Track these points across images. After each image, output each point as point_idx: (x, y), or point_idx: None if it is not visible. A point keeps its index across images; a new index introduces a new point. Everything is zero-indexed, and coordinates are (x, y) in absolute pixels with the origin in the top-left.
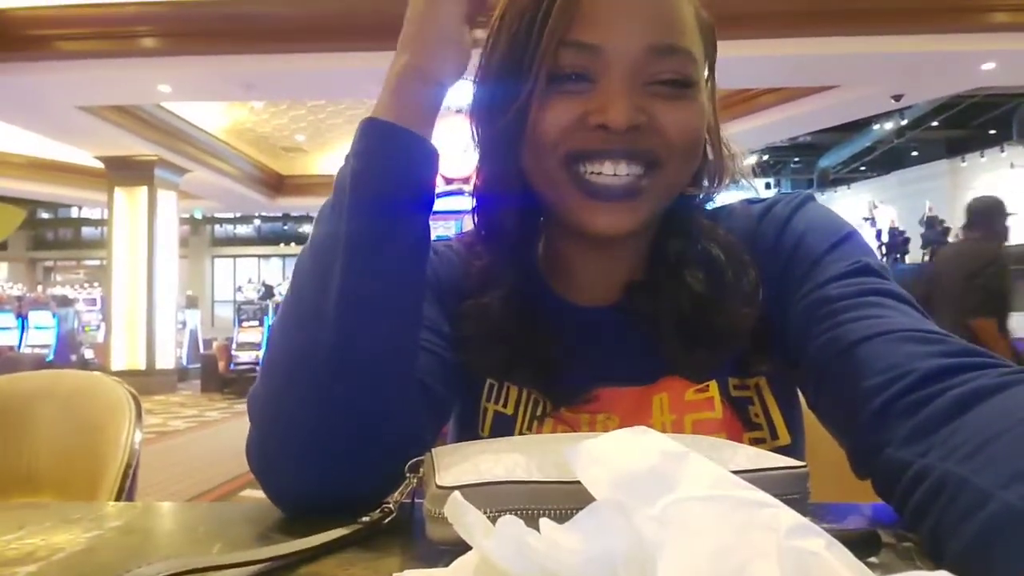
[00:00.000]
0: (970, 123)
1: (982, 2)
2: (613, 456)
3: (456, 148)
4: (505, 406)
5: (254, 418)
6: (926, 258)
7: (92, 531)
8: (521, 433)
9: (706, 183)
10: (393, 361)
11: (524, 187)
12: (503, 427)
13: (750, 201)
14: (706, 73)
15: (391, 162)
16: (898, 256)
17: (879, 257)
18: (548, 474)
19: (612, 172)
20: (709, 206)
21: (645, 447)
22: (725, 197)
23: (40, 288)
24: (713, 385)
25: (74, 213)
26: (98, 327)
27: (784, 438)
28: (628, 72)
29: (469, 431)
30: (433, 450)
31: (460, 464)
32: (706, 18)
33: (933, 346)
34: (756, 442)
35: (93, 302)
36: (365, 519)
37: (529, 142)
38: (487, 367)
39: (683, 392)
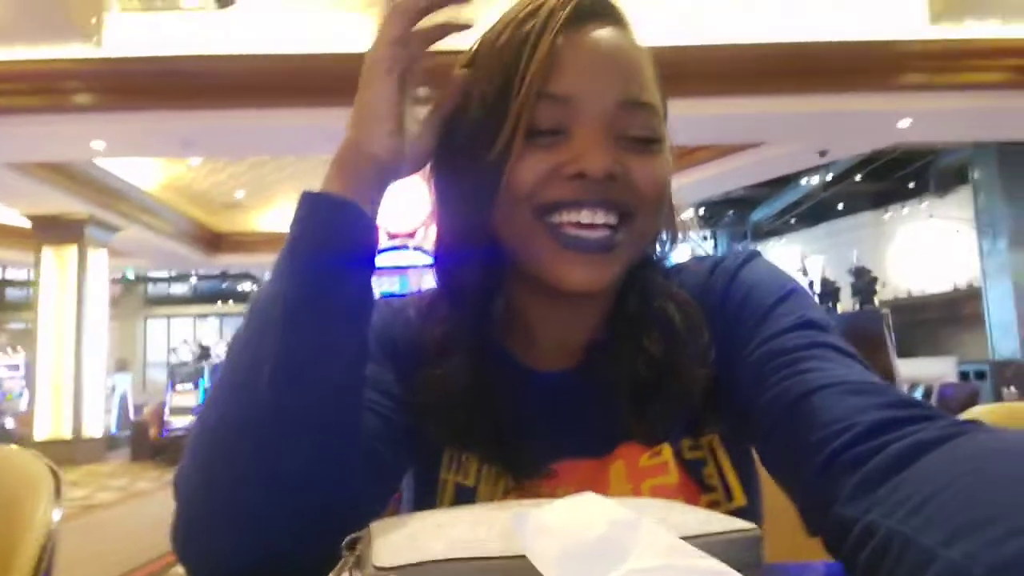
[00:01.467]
0: (891, 176)
1: (897, 64)
2: (561, 526)
3: (400, 203)
4: (466, 477)
5: (181, 495)
6: (856, 307)
7: None
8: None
9: (665, 237)
10: (332, 426)
11: (490, 242)
12: (465, 500)
13: (700, 258)
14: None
15: (326, 225)
16: (831, 304)
17: None
18: (492, 549)
19: (589, 221)
20: (667, 263)
21: (594, 515)
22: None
23: None
24: (667, 449)
25: None
26: (21, 394)
27: (739, 499)
28: (602, 123)
29: (426, 504)
30: (371, 524)
31: (399, 541)
32: (660, 76)
33: (876, 398)
34: (713, 505)
35: (15, 367)
36: None
37: (502, 196)
38: (445, 436)
39: (638, 458)
